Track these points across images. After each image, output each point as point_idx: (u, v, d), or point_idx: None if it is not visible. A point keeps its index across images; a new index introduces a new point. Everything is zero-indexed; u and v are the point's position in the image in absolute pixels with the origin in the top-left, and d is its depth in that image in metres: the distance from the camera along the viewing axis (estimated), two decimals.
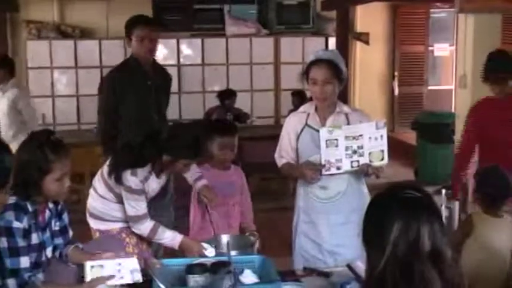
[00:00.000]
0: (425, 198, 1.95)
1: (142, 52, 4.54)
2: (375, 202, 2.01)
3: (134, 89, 4.51)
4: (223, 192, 3.89)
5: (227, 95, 8.59)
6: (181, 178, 3.78)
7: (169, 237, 3.43)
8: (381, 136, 3.53)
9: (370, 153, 3.52)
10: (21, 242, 2.76)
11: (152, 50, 4.59)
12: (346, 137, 3.49)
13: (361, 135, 3.50)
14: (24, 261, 2.77)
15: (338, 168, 3.52)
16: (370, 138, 3.51)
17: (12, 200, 2.75)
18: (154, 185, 3.54)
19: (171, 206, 4.04)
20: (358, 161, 3.53)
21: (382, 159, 3.54)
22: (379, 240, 1.88)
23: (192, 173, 3.80)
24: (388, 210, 1.90)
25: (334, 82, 3.53)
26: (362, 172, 3.57)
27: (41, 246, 2.90)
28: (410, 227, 1.86)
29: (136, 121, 4.46)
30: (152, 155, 3.41)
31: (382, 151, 3.53)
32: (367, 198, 3.59)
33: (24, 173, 2.73)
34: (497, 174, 3.73)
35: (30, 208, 2.82)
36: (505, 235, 3.61)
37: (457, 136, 6.01)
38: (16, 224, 2.74)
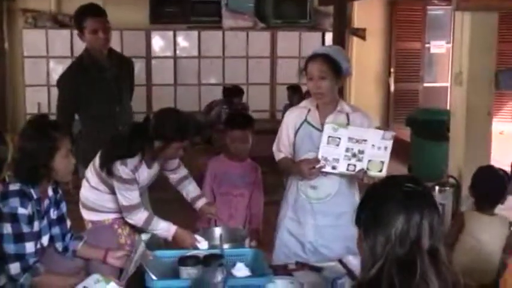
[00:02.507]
0: (425, 191, 1.94)
1: (98, 45, 4.38)
2: (376, 193, 1.98)
3: (91, 85, 4.35)
4: (228, 182, 4.02)
5: (235, 93, 8.54)
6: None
7: (164, 228, 3.43)
8: (385, 147, 3.40)
9: (369, 161, 3.40)
10: (26, 228, 2.77)
11: (107, 41, 4.41)
12: (350, 139, 3.38)
13: (365, 140, 3.39)
14: (30, 247, 2.80)
15: (333, 168, 3.42)
16: (373, 146, 3.39)
17: (16, 186, 2.78)
18: (145, 174, 3.54)
19: (147, 200, 4.00)
20: (355, 166, 3.41)
21: (380, 170, 3.41)
22: (380, 233, 1.87)
23: (190, 191, 3.82)
24: (390, 204, 1.87)
25: (330, 77, 3.43)
26: (357, 178, 3.47)
27: (38, 234, 2.91)
28: (413, 221, 1.85)
29: (98, 117, 4.36)
30: (141, 144, 3.42)
31: (382, 162, 3.41)
32: (356, 203, 3.51)
33: (32, 160, 2.80)
34: (493, 174, 3.76)
35: (34, 195, 2.84)
36: (496, 233, 3.64)
37: (452, 133, 6.02)
38: (21, 210, 2.76)
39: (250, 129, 4.06)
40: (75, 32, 4.50)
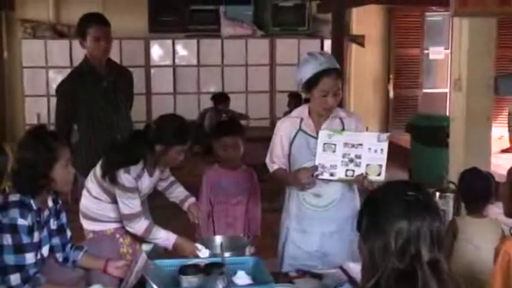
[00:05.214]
0: (427, 198, 1.93)
1: (98, 53, 4.40)
2: (377, 201, 1.96)
3: (88, 93, 4.37)
4: (225, 191, 4.01)
5: (220, 100, 8.66)
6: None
7: (164, 237, 3.43)
8: (381, 150, 3.37)
9: (367, 166, 3.37)
10: (26, 239, 2.77)
11: (108, 50, 4.46)
12: (345, 144, 3.35)
13: (360, 145, 3.36)
14: (30, 258, 2.79)
15: (331, 175, 3.39)
16: (369, 149, 3.36)
17: (16, 197, 2.77)
18: (146, 182, 3.55)
19: (147, 209, 3.99)
20: (353, 171, 3.38)
21: (379, 174, 3.38)
22: (379, 241, 1.85)
23: (178, 194, 3.85)
24: (391, 212, 1.86)
25: (340, 90, 3.43)
26: (357, 183, 3.44)
27: (38, 245, 2.90)
28: (414, 231, 1.83)
29: (96, 126, 4.37)
30: (143, 150, 3.43)
31: (380, 166, 3.37)
32: (358, 207, 3.48)
33: (31, 170, 2.80)
34: (478, 176, 3.78)
35: (34, 206, 2.83)
36: (490, 235, 3.63)
37: (452, 139, 6.02)
38: (21, 221, 2.75)
39: (240, 135, 4.06)
40: (74, 41, 4.54)
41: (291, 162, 3.55)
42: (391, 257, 1.83)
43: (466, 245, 3.65)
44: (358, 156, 3.38)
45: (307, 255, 3.58)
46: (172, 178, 3.88)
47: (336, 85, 3.37)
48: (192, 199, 3.84)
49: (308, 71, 3.40)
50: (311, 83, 3.39)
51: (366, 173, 3.38)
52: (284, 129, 3.56)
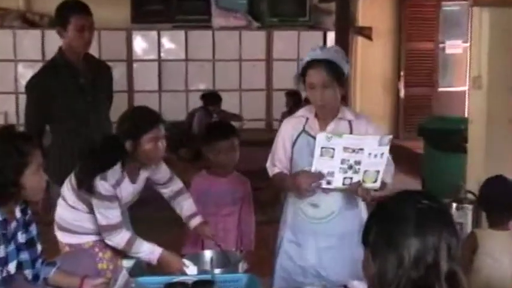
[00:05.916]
0: (442, 208, 1.93)
1: (80, 45, 4.38)
2: (387, 211, 1.96)
3: (63, 91, 4.33)
4: (214, 200, 4.01)
5: (211, 100, 8.67)
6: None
7: (147, 250, 3.42)
8: (382, 154, 3.36)
9: (365, 172, 3.37)
10: None
11: (90, 42, 4.44)
12: (345, 149, 3.33)
13: (361, 149, 3.34)
14: None
15: (328, 183, 3.39)
16: (370, 154, 3.35)
17: None
18: (129, 189, 3.54)
19: (128, 219, 3.97)
20: (351, 178, 3.38)
21: (375, 181, 3.39)
22: (391, 256, 1.85)
23: (184, 207, 3.82)
24: (404, 223, 1.87)
25: (334, 86, 3.40)
26: (352, 191, 3.43)
27: (4, 260, 2.89)
28: (429, 243, 1.84)
29: (71, 128, 4.35)
30: (116, 152, 3.43)
31: (378, 172, 3.38)
32: (363, 221, 3.44)
33: None
34: (503, 185, 3.77)
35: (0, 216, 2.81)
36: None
37: (470, 144, 6.02)
38: None
39: (235, 137, 4.06)
40: (47, 32, 4.51)
41: (292, 166, 3.57)
42: (405, 271, 1.83)
43: (485, 258, 3.66)
44: (358, 163, 3.37)
45: (300, 270, 3.60)
46: (177, 185, 3.85)
47: (322, 78, 3.38)
48: (199, 218, 3.79)
49: (300, 65, 3.49)
50: (302, 77, 3.46)
51: (363, 180, 3.39)
52: (287, 130, 3.60)
